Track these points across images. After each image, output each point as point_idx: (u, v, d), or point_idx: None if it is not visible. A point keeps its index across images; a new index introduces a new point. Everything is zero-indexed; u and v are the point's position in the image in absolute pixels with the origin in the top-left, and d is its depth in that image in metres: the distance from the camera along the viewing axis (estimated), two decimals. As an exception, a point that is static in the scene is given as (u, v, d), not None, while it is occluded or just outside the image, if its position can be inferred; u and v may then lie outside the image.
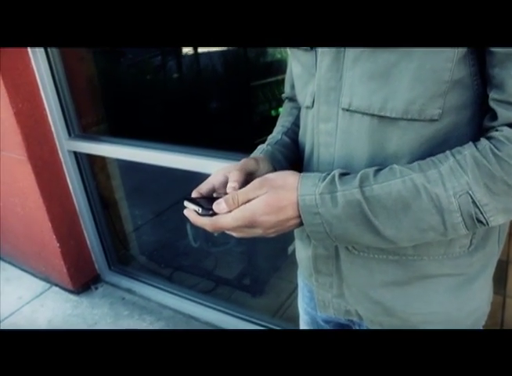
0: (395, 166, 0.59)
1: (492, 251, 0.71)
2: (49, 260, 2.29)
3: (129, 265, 2.48)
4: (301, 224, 0.62)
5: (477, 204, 0.54)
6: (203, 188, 0.69)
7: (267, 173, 0.68)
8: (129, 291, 2.32)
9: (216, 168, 0.72)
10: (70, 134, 2.06)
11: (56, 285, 2.39)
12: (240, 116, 2.09)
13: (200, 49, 2.09)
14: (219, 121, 2.17)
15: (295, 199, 0.60)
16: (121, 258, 2.46)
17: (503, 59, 0.53)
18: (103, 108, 2.28)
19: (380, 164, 0.62)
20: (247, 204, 0.60)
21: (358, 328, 0.81)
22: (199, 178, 0.72)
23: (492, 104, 0.56)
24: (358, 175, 0.59)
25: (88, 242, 2.34)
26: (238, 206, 0.61)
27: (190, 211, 0.64)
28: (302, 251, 0.83)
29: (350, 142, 0.64)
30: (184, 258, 2.45)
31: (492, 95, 0.56)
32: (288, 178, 0.62)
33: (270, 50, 2.00)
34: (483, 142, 0.55)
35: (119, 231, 2.43)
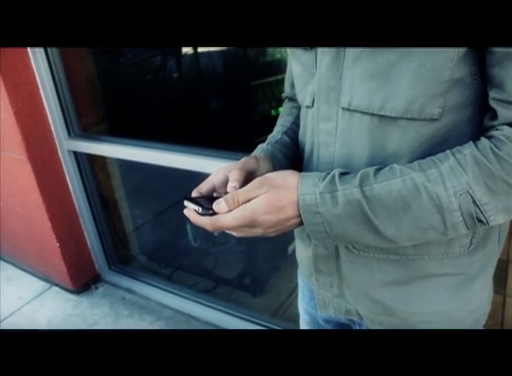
0: (395, 165, 0.59)
1: (492, 251, 0.71)
2: (49, 260, 2.29)
3: (129, 264, 2.48)
4: (301, 223, 0.62)
5: (478, 203, 0.54)
6: (203, 187, 0.69)
7: (267, 172, 0.68)
8: (129, 290, 2.32)
9: (216, 168, 0.72)
10: (69, 134, 2.06)
11: (56, 285, 2.39)
12: (240, 115, 2.08)
13: (200, 49, 2.09)
14: (219, 120, 2.17)
15: (295, 198, 0.60)
16: (121, 258, 2.46)
17: (503, 58, 0.53)
18: (103, 108, 2.28)
19: (380, 163, 0.62)
20: (247, 204, 0.60)
21: (358, 328, 0.81)
22: (199, 177, 0.72)
23: (492, 103, 0.56)
24: (359, 175, 0.59)
25: (88, 242, 2.34)
26: (238, 205, 0.61)
27: (190, 210, 0.64)
28: (302, 251, 0.83)
29: (350, 141, 0.64)
30: (184, 258, 2.45)
31: (492, 94, 0.56)
32: (288, 177, 0.62)
33: (270, 50, 2.00)
34: (483, 141, 0.55)
35: (119, 231, 2.43)
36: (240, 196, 0.61)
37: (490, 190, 0.54)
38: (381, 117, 0.60)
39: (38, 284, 2.43)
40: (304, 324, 0.97)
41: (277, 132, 0.85)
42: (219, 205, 0.61)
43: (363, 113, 0.62)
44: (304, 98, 0.72)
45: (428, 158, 0.58)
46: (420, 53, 0.55)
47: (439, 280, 0.68)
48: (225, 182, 0.67)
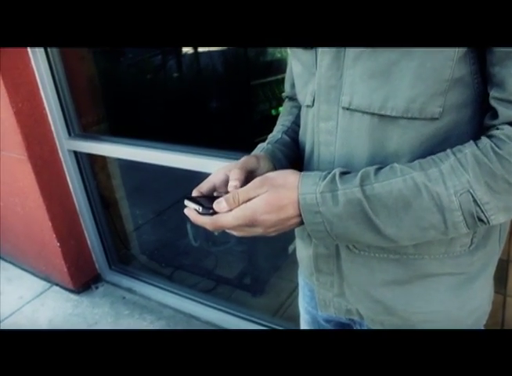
0: (396, 165, 0.59)
1: (492, 250, 0.71)
2: (50, 259, 2.29)
3: (130, 264, 2.48)
4: (301, 223, 0.62)
5: (478, 202, 0.54)
6: (203, 187, 0.69)
7: (267, 171, 0.68)
8: (130, 290, 2.32)
9: (216, 168, 0.72)
10: (70, 133, 2.06)
11: (57, 284, 2.39)
12: (241, 115, 2.08)
13: (200, 49, 2.09)
14: (219, 120, 2.16)
15: (296, 198, 0.60)
16: (122, 258, 2.46)
17: (504, 57, 0.53)
18: (103, 107, 2.28)
19: (380, 162, 0.62)
20: (248, 203, 0.60)
21: (359, 327, 0.81)
22: (199, 177, 0.72)
23: (493, 103, 0.56)
24: (359, 174, 0.59)
25: (88, 241, 2.34)
26: (238, 205, 0.61)
27: (191, 210, 0.64)
28: (303, 250, 0.82)
29: (350, 140, 0.64)
30: (184, 258, 2.45)
31: (493, 93, 0.56)
32: (289, 176, 0.62)
33: (270, 49, 2.00)
34: (484, 140, 0.55)
35: (119, 230, 2.43)
36: (241, 195, 0.61)
37: (491, 189, 0.53)
38: (382, 116, 0.60)
39: (39, 284, 2.43)
40: (304, 324, 0.97)
41: (277, 132, 0.85)
42: (219, 204, 0.61)
43: (364, 112, 0.62)
44: (304, 97, 0.72)
45: (429, 157, 0.58)
46: (420, 52, 0.55)
47: (440, 279, 0.68)
48: (226, 182, 0.67)
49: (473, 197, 0.54)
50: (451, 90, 0.57)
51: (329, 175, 0.60)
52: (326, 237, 0.61)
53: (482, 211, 0.54)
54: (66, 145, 2.06)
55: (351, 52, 0.60)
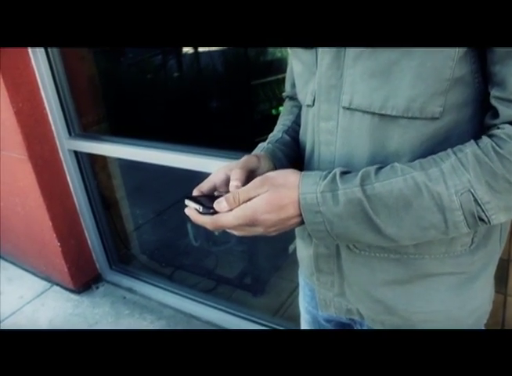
0: (396, 164, 0.59)
1: (493, 250, 0.71)
2: (50, 259, 2.29)
3: (130, 264, 2.48)
4: (302, 222, 0.62)
5: (479, 202, 0.54)
6: (204, 186, 0.69)
7: (268, 171, 0.68)
8: (130, 290, 2.32)
9: (217, 167, 0.72)
10: (70, 133, 2.06)
11: (57, 284, 2.39)
12: (241, 115, 2.08)
13: (201, 48, 2.09)
14: (220, 120, 2.17)
15: (296, 197, 0.60)
16: (122, 258, 2.46)
17: (504, 56, 0.53)
18: (104, 107, 2.28)
19: (381, 162, 0.61)
20: (248, 203, 0.60)
21: (359, 327, 0.81)
22: (200, 177, 0.72)
23: (494, 102, 0.56)
24: (360, 174, 0.59)
25: (88, 241, 2.34)
26: (239, 204, 0.61)
27: (191, 209, 0.64)
28: (303, 250, 0.82)
29: (351, 140, 0.64)
30: (185, 258, 2.45)
31: (494, 92, 0.56)
32: (289, 176, 0.62)
33: (270, 49, 2.00)
34: (484, 139, 0.55)
35: (120, 230, 2.43)
36: (241, 195, 0.61)
37: (491, 189, 0.53)
38: (382, 115, 0.60)
39: (39, 284, 2.43)
40: (305, 324, 0.97)
41: (278, 131, 0.85)
42: (220, 204, 0.61)
43: (364, 112, 0.62)
44: (304, 97, 0.72)
45: (429, 157, 0.58)
46: (420, 52, 0.55)
47: (440, 279, 0.68)
48: (226, 181, 0.67)
49: (473, 196, 0.54)
50: (451, 89, 0.57)
51: (330, 175, 0.60)
52: (326, 237, 0.61)
53: (483, 211, 0.54)
54: (67, 145, 2.06)
55: (351, 51, 0.60)
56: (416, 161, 0.58)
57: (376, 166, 0.60)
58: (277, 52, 1.99)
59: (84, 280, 2.35)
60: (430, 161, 0.57)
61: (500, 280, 1.22)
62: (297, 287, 0.99)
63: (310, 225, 0.61)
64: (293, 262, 1.02)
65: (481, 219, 0.55)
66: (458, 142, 0.58)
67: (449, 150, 0.57)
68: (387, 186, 0.57)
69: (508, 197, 0.54)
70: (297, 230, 0.83)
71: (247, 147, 0.89)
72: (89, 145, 2.03)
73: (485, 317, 0.77)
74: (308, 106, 0.71)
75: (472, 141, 0.56)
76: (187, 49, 2.14)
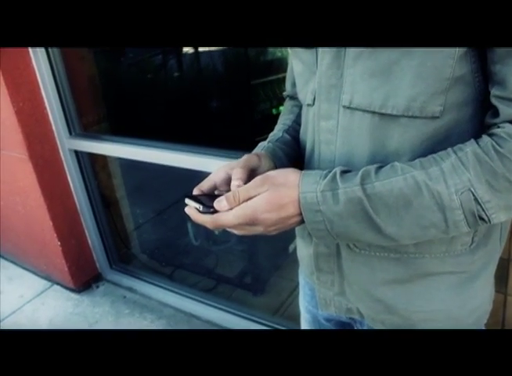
0: (397, 163, 0.59)
1: (493, 249, 0.71)
2: (50, 258, 2.30)
3: (130, 263, 2.48)
4: (302, 222, 0.62)
5: (479, 201, 0.54)
6: (204, 185, 0.69)
7: (268, 170, 0.68)
8: (130, 289, 2.32)
9: (217, 167, 0.72)
10: (70, 133, 2.06)
11: (57, 284, 2.40)
12: (241, 114, 2.09)
13: (201, 48, 2.09)
14: (220, 119, 2.17)
15: (296, 196, 0.60)
16: (122, 257, 2.46)
17: (504, 55, 0.53)
18: (104, 107, 2.29)
19: (381, 161, 0.61)
20: (248, 202, 0.60)
21: (359, 326, 0.81)
22: (200, 176, 0.72)
23: (494, 101, 0.56)
24: (360, 173, 0.59)
25: (89, 240, 2.34)
26: (239, 203, 0.61)
27: (191, 208, 0.64)
28: (303, 249, 0.83)
29: (351, 139, 0.64)
30: (185, 257, 2.45)
31: (494, 92, 0.56)
32: (289, 175, 0.62)
33: (271, 49, 2.00)
34: (485, 139, 0.55)
35: (120, 230, 2.43)
36: (241, 194, 0.61)
37: (492, 188, 0.53)
38: (382, 115, 0.60)
39: (39, 283, 2.43)
40: (305, 323, 0.97)
41: (278, 130, 0.85)
42: (220, 203, 0.61)
43: (364, 111, 0.62)
44: (305, 96, 0.72)
45: (430, 156, 0.58)
46: (420, 51, 0.55)
47: (441, 278, 0.68)
48: (227, 180, 0.67)
49: (474, 195, 0.54)
50: (452, 89, 0.57)
51: (330, 174, 0.60)
52: (326, 236, 0.61)
53: (483, 210, 0.54)
54: (67, 144, 2.06)
55: (351, 51, 0.60)
56: (417, 160, 0.58)
57: (376, 165, 0.60)
58: (277, 51, 1.99)
59: (84, 280, 2.36)
60: (430, 160, 0.57)
61: (500, 279, 1.22)
62: (297, 286, 0.99)
63: (310, 225, 0.61)
64: (293, 261, 1.02)
65: (482, 218, 0.55)
66: (458, 142, 0.58)
67: (449, 149, 0.57)
68: (388, 185, 0.57)
69: (508, 196, 0.54)
70: (298, 229, 0.83)
71: (247, 147, 0.89)
72: (90, 144, 2.03)
73: (486, 317, 0.77)
74: (309, 105, 0.71)
75: (472, 140, 0.57)
76: (187, 49, 2.14)
